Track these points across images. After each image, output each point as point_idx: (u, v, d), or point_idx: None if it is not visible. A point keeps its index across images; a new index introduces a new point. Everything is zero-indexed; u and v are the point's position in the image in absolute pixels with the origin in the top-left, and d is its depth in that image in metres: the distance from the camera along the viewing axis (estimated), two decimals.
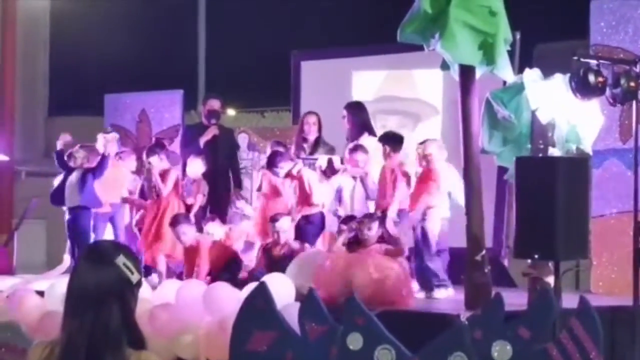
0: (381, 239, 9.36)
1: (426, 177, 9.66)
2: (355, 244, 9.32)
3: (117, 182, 11.71)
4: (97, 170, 11.35)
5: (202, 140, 12.12)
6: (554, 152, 8.32)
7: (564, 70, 8.41)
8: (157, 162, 11.24)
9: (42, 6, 20.63)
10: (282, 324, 7.22)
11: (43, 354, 3.08)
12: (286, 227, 10.07)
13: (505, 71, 8.58)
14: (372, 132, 10.84)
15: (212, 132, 12.21)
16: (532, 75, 8.54)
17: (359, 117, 11.00)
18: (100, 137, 11.90)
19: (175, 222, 10.28)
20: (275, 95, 16.91)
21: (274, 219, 10.08)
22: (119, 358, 3.01)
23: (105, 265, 3.08)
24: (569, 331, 6.52)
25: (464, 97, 8.47)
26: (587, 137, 8.59)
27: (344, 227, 9.64)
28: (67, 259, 11.96)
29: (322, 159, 10.79)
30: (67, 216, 11.49)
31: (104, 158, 11.39)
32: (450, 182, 9.64)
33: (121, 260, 3.10)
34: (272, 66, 16.53)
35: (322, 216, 10.48)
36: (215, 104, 12.51)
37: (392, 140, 10.12)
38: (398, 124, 12.54)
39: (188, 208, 11.21)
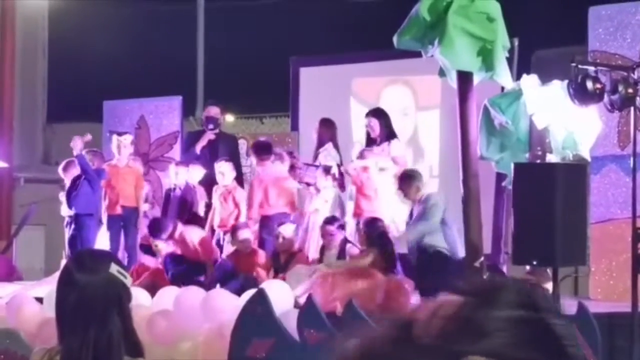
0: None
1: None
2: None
3: (130, 185, 11.72)
4: (87, 175, 11.37)
5: (198, 147, 12.26)
6: (551, 158, 8.33)
7: (562, 77, 8.43)
8: (164, 247, 10.54)
9: (40, 13, 20.63)
10: (280, 330, 7.23)
11: None
12: (289, 233, 10.08)
13: (504, 77, 8.59)
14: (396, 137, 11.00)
15: (207, 137, 12.34)
16: (529, 81, 8.56)
17: (385, 122, 11.07)
18: (115, 139, 11.91)
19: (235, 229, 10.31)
20: (274, 102, 16.92)
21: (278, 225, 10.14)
22: None
23: (103, 276, 2.99)
24: None
25: (462, 103, 8.48)
26: (584, 144, 8.60)
27: (332, 228, 9.58)
28: None
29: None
30: (67, 221, 11.53)
31: (79, 159, 11.37)
32: None
33: (114, 267, 3.03)
34: (271, 72, 16.53)
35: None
36: (212, 110, 12.62)
37: (260, 149, 10.59)
38: (397, 131, 12.54)
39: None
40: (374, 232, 9.32)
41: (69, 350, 2.97)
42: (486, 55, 8.33)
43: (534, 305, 1.34)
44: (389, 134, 10.81)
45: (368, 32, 16.07)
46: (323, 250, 9.61)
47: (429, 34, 8.44)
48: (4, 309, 9.67)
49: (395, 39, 8.63)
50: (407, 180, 9.66)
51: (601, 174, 10.43)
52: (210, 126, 12.47)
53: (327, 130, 11.28)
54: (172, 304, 8.64)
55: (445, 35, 8.20)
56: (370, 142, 10.96)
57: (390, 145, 10.53)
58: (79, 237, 11.39)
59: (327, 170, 10.62)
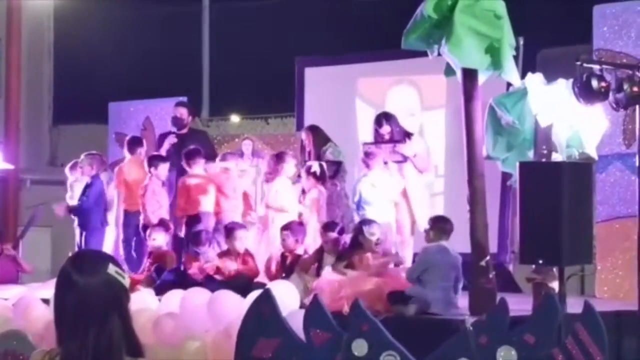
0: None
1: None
2: (357, 246, 9.23)
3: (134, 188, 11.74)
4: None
5: (163, 150, 12.06)
6: (557, 157, 8.32)
7: (567, 75, 8.42)
8: (162, 240, 10.63)
9: (46, 13, 20.65)
10: (286, 330, 7.22)
11: None
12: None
13: (512, 74, 8.58)
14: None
15: (169, 141, 12.13)
16: (534, 80, 8.55)
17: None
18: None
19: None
20: (280, 102, 16.88)
21: (285, 227, 10.08)
22: None
23: (102, 277, 2.98)
24: (574, 336, 6.53)
25: (467, 102, 8.47)
26: (590, 142, 8.59)
27: (332, 234, 9.48)
28: None
29: (314, 165, 10.77)
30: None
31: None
32: None
33: (112, 268, 3.00)
34: (276, 72, 16.53)
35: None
36: (178, 111, 12.34)
37: (189, 155, 11.10)
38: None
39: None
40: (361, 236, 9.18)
41: (69, 352, 2.96)
42: (494, 53, 8.33)
43: None
44: (404, 133, 10.70)
45: (373, 32, 16.08)
46: (321, 253, 9.51)
47: (435, 33, 8.44)
48: (11, 311, 9.68)
49: (402, 39, 8.63)
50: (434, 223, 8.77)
51: (607, 173, 10.43)
52: (174, 128, 12.26)
53: (319, 133, 11.23)
54: (179, 305, 8.65)
55: (452, 34, 8.20)
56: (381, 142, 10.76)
57: (412, 141, 10.45)
58: (86, 239, 11.48)
59: (308, 170, 10.55)
